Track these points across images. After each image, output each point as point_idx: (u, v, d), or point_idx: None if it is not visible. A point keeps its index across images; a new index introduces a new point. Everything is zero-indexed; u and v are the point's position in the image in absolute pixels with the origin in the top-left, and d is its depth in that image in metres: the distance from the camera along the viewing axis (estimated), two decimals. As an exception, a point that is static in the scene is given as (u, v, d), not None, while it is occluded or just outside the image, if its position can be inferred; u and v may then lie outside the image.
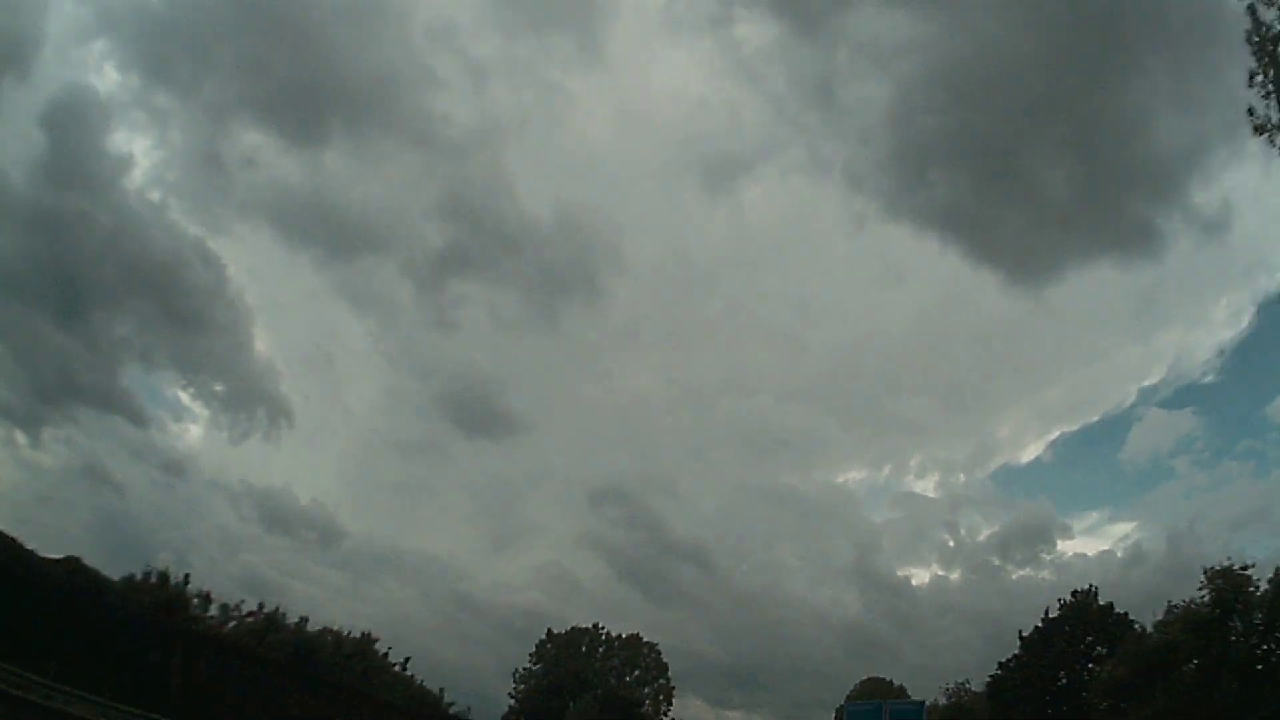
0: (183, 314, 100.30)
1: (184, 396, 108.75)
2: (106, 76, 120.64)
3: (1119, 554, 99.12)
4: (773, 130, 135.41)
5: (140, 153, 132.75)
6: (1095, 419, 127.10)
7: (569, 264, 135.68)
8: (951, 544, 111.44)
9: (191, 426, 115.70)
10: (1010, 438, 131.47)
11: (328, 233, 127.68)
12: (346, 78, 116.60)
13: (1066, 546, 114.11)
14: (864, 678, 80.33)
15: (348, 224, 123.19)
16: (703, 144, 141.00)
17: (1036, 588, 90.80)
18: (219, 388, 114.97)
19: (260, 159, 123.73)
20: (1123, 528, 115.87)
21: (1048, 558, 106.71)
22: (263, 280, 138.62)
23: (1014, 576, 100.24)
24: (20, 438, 78.29)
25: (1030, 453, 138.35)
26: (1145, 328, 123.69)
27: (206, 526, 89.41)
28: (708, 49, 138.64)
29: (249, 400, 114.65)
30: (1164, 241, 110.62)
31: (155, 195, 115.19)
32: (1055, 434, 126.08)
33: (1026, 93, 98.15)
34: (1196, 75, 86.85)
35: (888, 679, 76.96)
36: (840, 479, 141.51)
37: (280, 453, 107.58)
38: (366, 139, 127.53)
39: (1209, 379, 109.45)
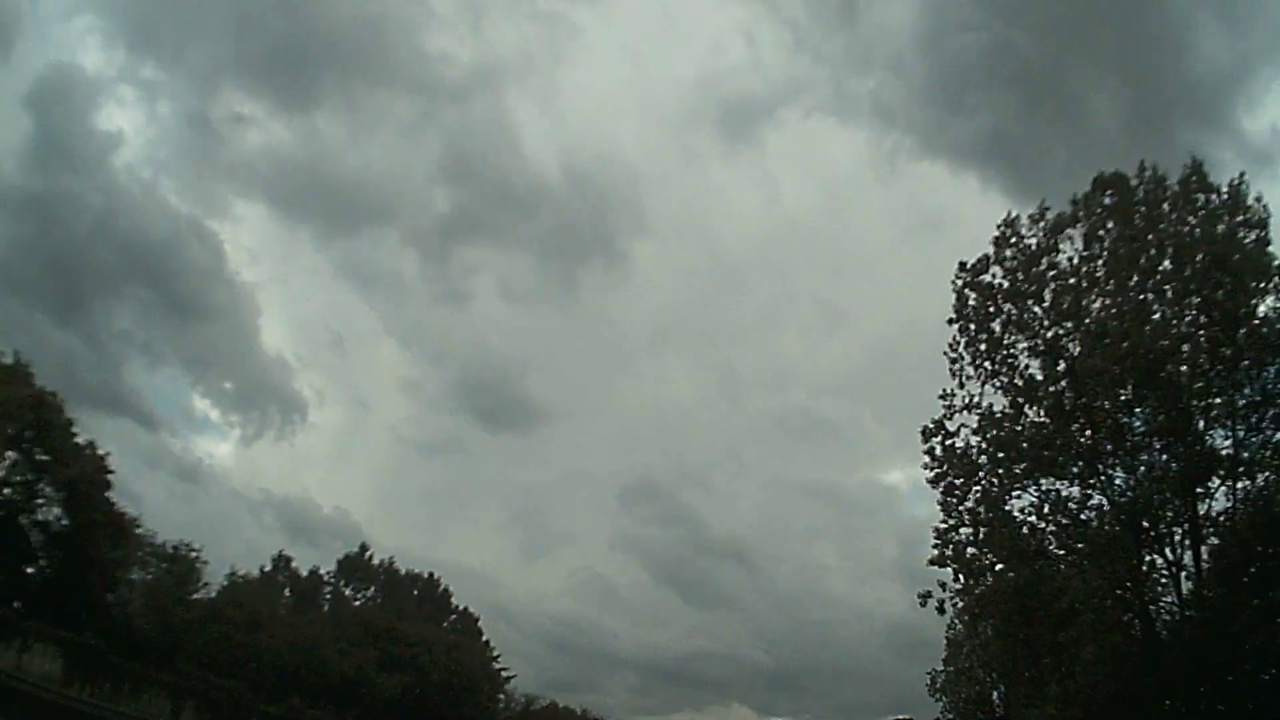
0: (183, 302, 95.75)
1: (194, 396, 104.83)
2: (92, 53, 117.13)
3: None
4: (794, 64, 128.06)
5: (130, 129, 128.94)
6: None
7: (584, 224, 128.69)
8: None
9: (204, 428, 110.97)
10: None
11: (325, 204, 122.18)
12: (335, 24, 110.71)
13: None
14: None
15: (345, 193, 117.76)
16: (720, 84, 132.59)
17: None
18: (228, 385, 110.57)
19: (251, 128, 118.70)
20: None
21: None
22: (263, 262, 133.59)
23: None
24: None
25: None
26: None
27: (229, 538, 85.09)
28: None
29: (260, 397, 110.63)
30: (1213, 174, 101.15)
31: (147, 173, 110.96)
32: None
33: (1066, 4, 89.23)
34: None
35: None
36: (880, 472, 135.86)
37: (295, 452, 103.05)
38: (360, 93, 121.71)
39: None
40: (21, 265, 76.20)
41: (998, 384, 26.78)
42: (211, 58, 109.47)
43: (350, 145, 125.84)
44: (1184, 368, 24.73)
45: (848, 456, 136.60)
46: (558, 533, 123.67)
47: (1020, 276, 26.71)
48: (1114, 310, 25.14)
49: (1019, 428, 26.18)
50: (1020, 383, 26.38)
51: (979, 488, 27.02)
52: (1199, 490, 24.59)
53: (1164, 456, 25.22)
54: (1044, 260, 26.54)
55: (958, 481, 27.11)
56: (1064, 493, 26.66)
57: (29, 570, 38.59)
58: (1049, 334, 26.18)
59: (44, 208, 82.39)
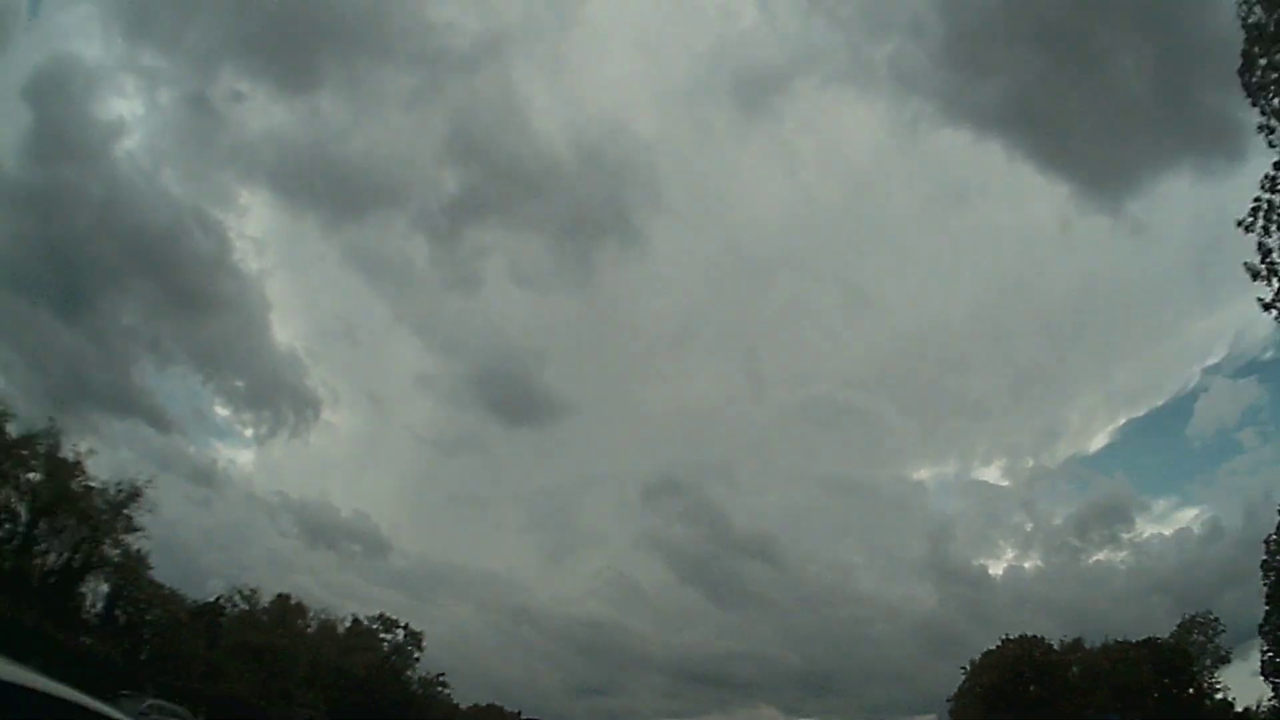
0: (190, 295, 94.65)
1: (204, 394, 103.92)
2: (91, 42, 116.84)
3: (1195, 530, 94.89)
4: (808, 29, 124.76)
5: (131, 118, 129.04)
6: (1161, 403, 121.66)
7: (598, 201, 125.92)
8: (1029, 527, 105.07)
9: (217, 428, 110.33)
10: (1079, 426, 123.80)
11: (331, 189, 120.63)
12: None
13: (1144, 526, 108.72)
14: (1006, 637, 67.20)
15: (351, 176, 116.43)
16: (732, 53, 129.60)
17: (1113, 573, 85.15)
18: (239, 383, 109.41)
19: (252, 110, 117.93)
20: (1194, 511, 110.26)
21: (1127, 536, 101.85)
22: (269, 251, 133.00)
23: (1091, 560, 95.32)
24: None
25: (1099, 441, 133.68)
26: (1209, 301, 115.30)
27: (250, 544, 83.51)
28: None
29: (272, 394, 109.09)
30: (1242, 137, 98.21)
31: (148, 162, 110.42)
32: (1122, 420, 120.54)
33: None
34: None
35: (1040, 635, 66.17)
36: (907, 468, 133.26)
37: (310, 452, 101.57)
38: (362, 67, 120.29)
39: (1269, 354, 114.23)
40: (27, 260, 75.44)
41: None
42: (210, 41, 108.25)
43: (354, 125, 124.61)
44: None
45: (874, 451, 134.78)
46: (581, 532, 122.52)
47: None
48: None
49: None
50: None
51: None
52: None
53: None
54: None
55: None
56: None
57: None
58: None
59: (46, 201, 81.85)
